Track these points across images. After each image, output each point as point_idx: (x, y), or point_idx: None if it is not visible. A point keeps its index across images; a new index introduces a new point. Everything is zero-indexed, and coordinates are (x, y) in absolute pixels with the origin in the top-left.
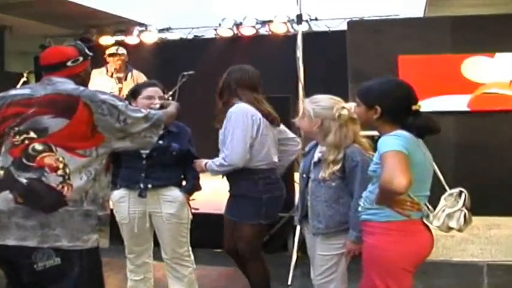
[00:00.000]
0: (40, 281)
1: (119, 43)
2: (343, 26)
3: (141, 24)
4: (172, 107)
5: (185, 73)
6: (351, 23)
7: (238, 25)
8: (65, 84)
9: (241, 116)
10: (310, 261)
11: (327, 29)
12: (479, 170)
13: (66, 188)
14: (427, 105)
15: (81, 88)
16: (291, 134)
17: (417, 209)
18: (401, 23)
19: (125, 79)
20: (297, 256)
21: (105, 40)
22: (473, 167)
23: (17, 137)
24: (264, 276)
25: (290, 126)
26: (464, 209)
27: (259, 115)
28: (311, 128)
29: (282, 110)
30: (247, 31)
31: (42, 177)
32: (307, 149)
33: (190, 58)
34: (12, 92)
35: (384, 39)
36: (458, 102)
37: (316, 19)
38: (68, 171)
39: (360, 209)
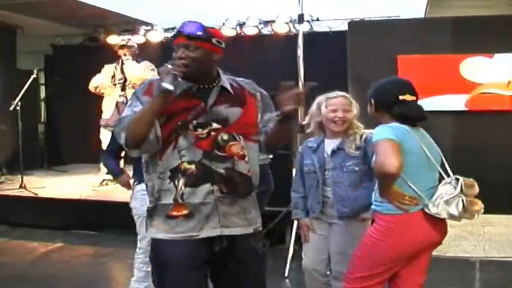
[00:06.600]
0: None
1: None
2: (344, 27)
3: (147, 24)
4: None
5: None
6: (352, 24)
7: (241, 25)
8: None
9: None
10: (309, 254)
11: (328, 30)
12: (475, 169)
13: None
14: (425, 104)
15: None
16: None
17: (415, 204)
18: (401, 23)
19: None
20: (294, 250)
21: (113, 39)
22: (469, 165)
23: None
24: None
25: None
26: (462, 195)
27: None
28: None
29: None
30: (250, 31)
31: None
32: (314, 144)
33: None
34: None
35: (384, 40)
36: (456, 102)
37: (317, 19)
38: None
39: (372, 199)
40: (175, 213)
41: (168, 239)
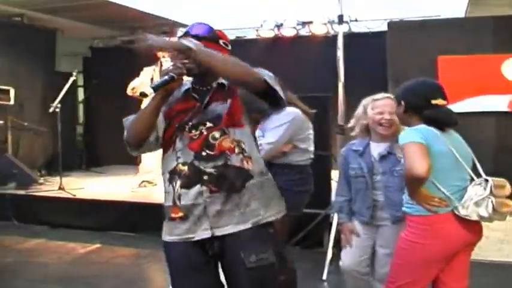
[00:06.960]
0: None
1: None
2: (384, 27)
3: (184, 26)
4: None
5: None
6: (392, 24)
7: (279, 26)
8: None
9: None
10: (350, 255)
11: (367, 30)
12: None
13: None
14: (467, 105)
15: None
16: None
17: (445, 205)
18: (442, 23)
19: None
20: (333, 252)
21: None
22: None
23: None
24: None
25: (329, 122)
26: (491, 196)
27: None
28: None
29: (322, 108)
30: (288, 32)
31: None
32: (360, 148)
33: None
34: None
35: (424, 40)
36: (498, 103)
37: (356, 20)
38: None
39: (403, 201)
40: (173, 216)
41: (170, 241)
